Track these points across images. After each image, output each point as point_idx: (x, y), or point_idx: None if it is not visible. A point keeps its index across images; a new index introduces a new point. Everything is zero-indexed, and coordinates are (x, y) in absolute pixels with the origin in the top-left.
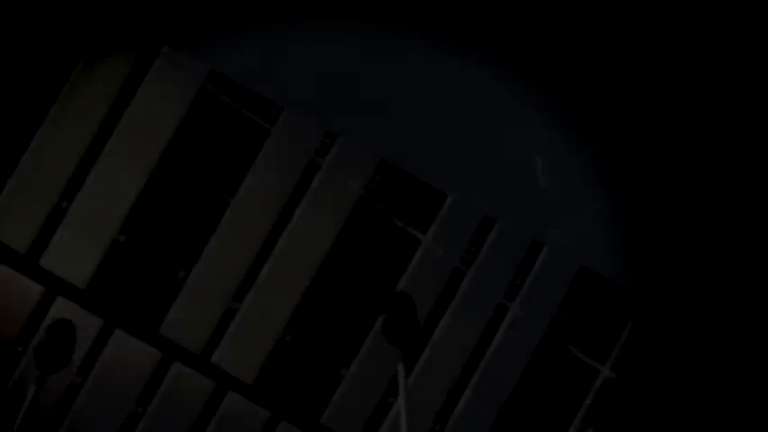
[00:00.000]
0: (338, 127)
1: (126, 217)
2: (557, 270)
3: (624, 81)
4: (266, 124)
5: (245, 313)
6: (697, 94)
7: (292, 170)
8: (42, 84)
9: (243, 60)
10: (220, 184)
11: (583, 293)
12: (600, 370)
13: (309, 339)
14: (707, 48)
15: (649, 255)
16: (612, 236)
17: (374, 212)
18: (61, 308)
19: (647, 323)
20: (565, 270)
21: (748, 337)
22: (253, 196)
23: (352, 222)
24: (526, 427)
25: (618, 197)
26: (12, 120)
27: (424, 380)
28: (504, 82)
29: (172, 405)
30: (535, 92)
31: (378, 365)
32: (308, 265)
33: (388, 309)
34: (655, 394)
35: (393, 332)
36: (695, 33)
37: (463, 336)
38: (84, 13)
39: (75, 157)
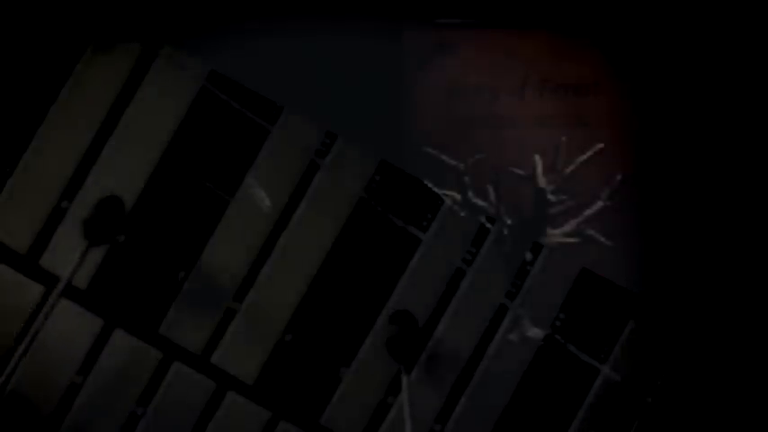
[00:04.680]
0: (338, 127)
1: (126, 217)
2: (557, 270)
3: None
4: (266, 124)
5: (245, 313)
6: (699, 95)
7: (292, 170)
8: (42, 84)
9: (243, 60)
10: (220, 184)
11: (583, 293)
12: (600, 370)
13: (309, 339)
14: (708, 47)
15: (651, 255)
16: (613, 236)
17: (374, 212)
18: (61, 308)
19: (648, 323)
20: (565, 270)
21: (750, 337)
22: (253, 196)
23: (352, 222)
24: (527, 426)
25: (618, 197)
26: (12, 120)
27: (424, 380)
28: (505, 81)
29: (172, 405)
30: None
31: (378, 365)
32: (308, 265)
33: (391, 327)
34: (655, 394)
35: (397, 350)
36: (696, 33)
37: (463, 336)
38: (84, 12)
39: (75, 157)
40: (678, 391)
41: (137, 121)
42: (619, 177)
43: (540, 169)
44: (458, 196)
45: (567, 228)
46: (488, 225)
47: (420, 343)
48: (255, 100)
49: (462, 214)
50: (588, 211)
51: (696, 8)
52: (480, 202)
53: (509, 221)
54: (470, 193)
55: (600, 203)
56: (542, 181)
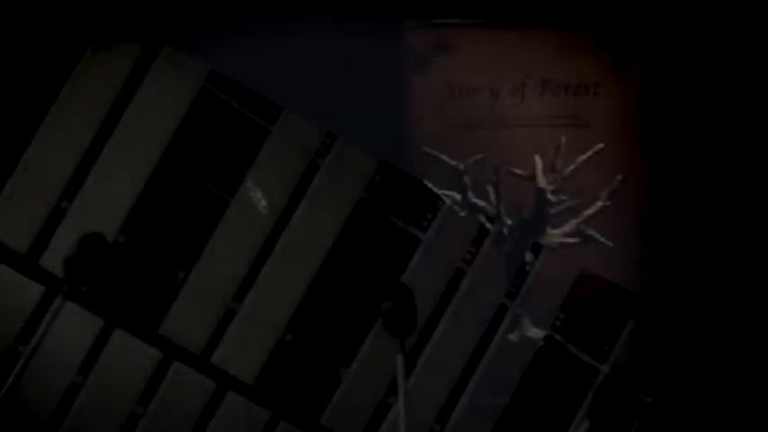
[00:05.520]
0: (338, 127)
1: (126, 217)
2: (557, 270)
3: None
4: (266, 124)
5: (245, 313)
6: (701, 94)
7: (292, 170)
8: (42, 84)
9: (243, 60)
10: (220, 184)
11: (583, 293)
12: (600, 369)
13: (309, 339)
14: (710, 46)
15: (651, 255)
16: (613, 236)
17: (374, 212)
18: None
19: (648, 323)
20: (565, 270)
21: (750, 337)
22: (253, 196)
23: (353, 222)
24: (527, 426)
25: (619, 197)
26: (12, 120)
27: (425, 380)
28: (505, 81)
29: (172, 405)
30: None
31: (378, 366)
32: (308, 265)
33: (388, 300)
34: (655, 394)
35: (392, 323)
36: (697, 32)
37: (463, 336)
38: (84, 12)
39: (75, 157)
40: (678, 391)
41: (137, 121)
42: (619, 177)
43: (539, 169)
44: (458, 196)
45: (567, 228)
46: (488, 225)
47: (415, 316)
48: (255, 100)
49: (462, 214)
50: (588, 211)
51: (697, 6)
52: (480, 202)
53: (509, 221)
54: (470, 193)
55: (600, 203)
56: (542, 181)
